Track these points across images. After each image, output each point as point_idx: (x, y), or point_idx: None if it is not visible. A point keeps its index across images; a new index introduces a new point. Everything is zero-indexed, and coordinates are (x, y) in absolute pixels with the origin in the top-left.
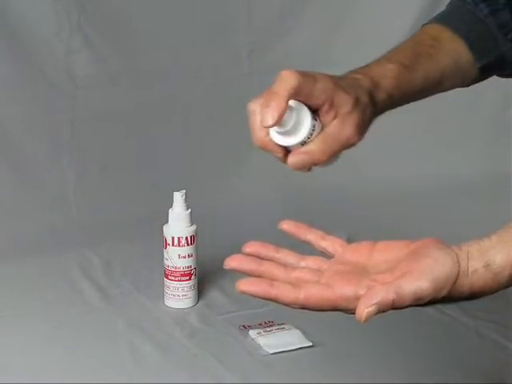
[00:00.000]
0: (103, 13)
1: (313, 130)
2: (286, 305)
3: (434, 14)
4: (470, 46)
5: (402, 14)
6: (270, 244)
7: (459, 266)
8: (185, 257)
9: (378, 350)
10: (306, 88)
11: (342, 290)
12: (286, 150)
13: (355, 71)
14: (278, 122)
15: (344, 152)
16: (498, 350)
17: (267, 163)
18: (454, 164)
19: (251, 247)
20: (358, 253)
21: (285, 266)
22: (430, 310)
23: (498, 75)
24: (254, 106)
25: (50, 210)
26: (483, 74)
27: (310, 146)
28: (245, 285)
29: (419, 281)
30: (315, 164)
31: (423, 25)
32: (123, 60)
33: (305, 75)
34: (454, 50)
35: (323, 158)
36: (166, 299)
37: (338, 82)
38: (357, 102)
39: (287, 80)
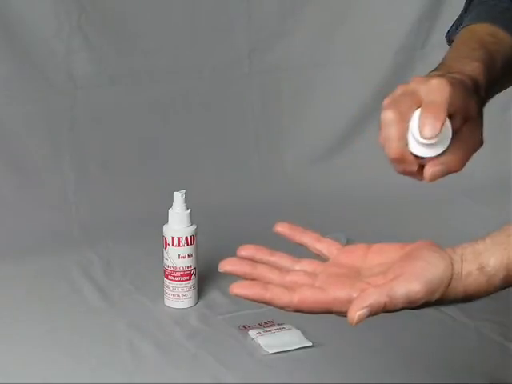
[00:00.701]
0: (103, 13)
1: (451, 141)
2: (280, 308)
3: (435, 14)
4: None
5: (402, 14)
6: (265, 247)
7: (453, 269)
8: (185, 257)
9: (378, 350)
10: (455, 99)
11: (335, 293)
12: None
13: (447, 70)
14: (436, 135)
15: (343, 154)
16: (498, 350)
17: (267, 163)
18: None
19: (246, 250)
20: (353, 255)
21: (279, 269)
22: (429, 309)
23: None
24: (391, 115)
25: (50, 210)
26: None
27: (449, 157)
28: (238, 288)
29: (411, 283)
30: (450, 173)
31: (463, 27)
32: (123, 60)
33: (452, 84)
34: (510, 46)
35: (460, 167)
36: (165, 299)
37: (460, 84)
38: (480, 104)
39: (443, 89)
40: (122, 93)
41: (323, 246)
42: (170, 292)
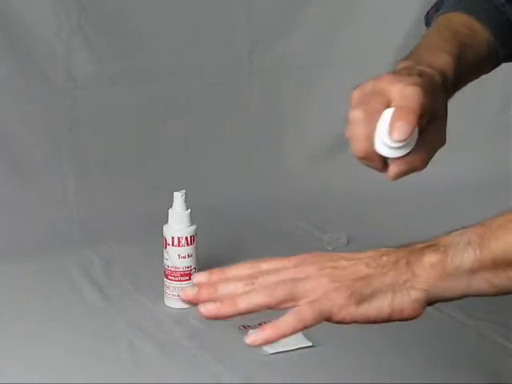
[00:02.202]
0: (103, 13)
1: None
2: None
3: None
4: (495, 36)
5: (403, 13)
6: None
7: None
8: (185, 257)
9: (378, 350)
10: (427, 104)
11: None
12: (384, 159)
13: (417, 61)
14: (406, 140)
15: (343, 154)
16: (498, 350)
17: (267, 163)
18: (454, 165)
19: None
20: None
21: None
22: (429, 309)
23: (508, 61)
24: (358, 114)
25: (50, 210)
26: (500, 62)
27: (413, 156)
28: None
29: None
30: (414, 172)
31: (440, 13)
32: (123, 60)
33: (424, 90)
34: (486, 39)
35: (423, 166)
36: (165, 299)
37: (430, 86)
38: (445, 103)
39: (418, 98)
40: (122, 93)
41: None
42: (170, 292)
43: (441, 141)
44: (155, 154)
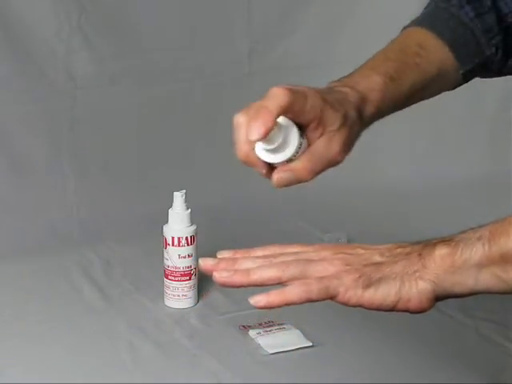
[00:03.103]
0: (103, 13)
1: (299, 148)
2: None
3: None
4: (455, 53)
5: (403, 13)
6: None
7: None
8: (185, 257)
9: (378, 350)
10: (297, 106)
11: None
12: (270, 166)
13: (342, 82)
14: (264, 138)
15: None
16: (497, 350)
17: None
18: (454, 164)
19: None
20: None
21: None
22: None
23: (480, 77)
24: (241, 119)
25: (50, 210)
26: (466, 78)
27: (296, 164)
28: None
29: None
30: (299, 182)
31: (405, 27)
32: (123, 60)
33: (296, 92)
34: (439, 57)
35: (308, 176)
36: (165, 299)
37: (327, 98)
38: (345, 119)
39: (278, 97)
40: (122, 93)
41: None
42: (170, 292)
43: (334, 155)
44: (155, 153)
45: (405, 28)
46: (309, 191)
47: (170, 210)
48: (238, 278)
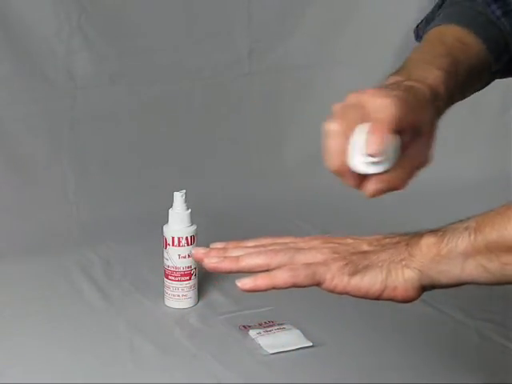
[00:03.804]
0: (103, 13)
1: (396, 159)
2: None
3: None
4: (489, 50)
5: (403, 13)
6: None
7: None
8: (185, 257)
9: (378, 350)
10: (403, 117)
11: None
12: (361, 176)
13: (407, 76)
14: (380, 154)
15: None
16: (498, 350)
17: (267, 163)
18: (455, 165)
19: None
20: None
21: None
22: (430, 310)
23: (499, 77)
24: (335, 127)
25: (50, 210)
26: (493, 77)
27: (392, 175)
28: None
29: None
30: (392, 191)
31: (433, 25)
32: (123, 60)
33: (400, 102)
34: (478, 53)
35: (402, 185)
36: (166, 299)
37: (411, 99)
38: (431, 123)
39: (390, 111)
40: (122, 93)
41: None
42: (170, 292)
43: (424, 160)
44: (155, 153)
45: (428, 27)
46: (308, 191)
47: (170, 210)
48: (227, 264)
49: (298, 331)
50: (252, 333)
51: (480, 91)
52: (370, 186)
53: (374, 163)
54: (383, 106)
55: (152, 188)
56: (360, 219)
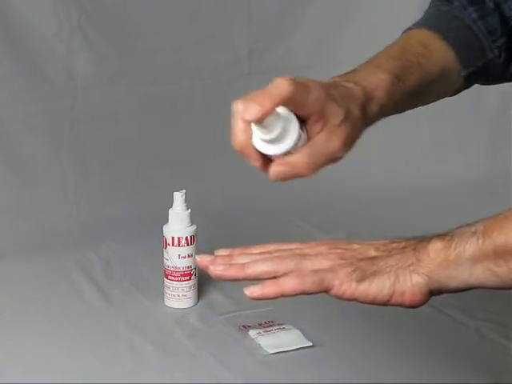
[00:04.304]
0: (103, 13)
1: (298, 141)
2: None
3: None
4: (458, 54)
5: (403, 13)
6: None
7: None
8: (185, 257)
9: (378, 350)
10: (299, 98)
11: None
12: (266, 159)
13: (346, 77)
14: (260, 121)
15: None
16: (497, 350)
17: None
18: (455, 164)
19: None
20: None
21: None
22: (430, 309)
23: (481, 83)
24: (239, 106)
25: (50, 209)
26: (467, 82)
27: (294, 158)
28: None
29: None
30: (297, 176)
31: (408, 28)
32: (123, 60)
33: (299, 84)
34: (442, 58)
35: (306, 171)
36: (165, 299)
37: (331, 91)
38: (347, 115)
39: (280, 86)
40: (122, 93)
41: None
42: (170, 292)
43: (335, 151)
44: (155, 154)
45: (406, 30)
46: (309, 191)
47: (170, 210)
48: (233, 272)
49: (297, 331)
50: (252, 333)
51: (479, 91)
52: (272, 168)
53: (268, 142)
54: (278, 82)
55: (152, 188)
56: (360, 219)
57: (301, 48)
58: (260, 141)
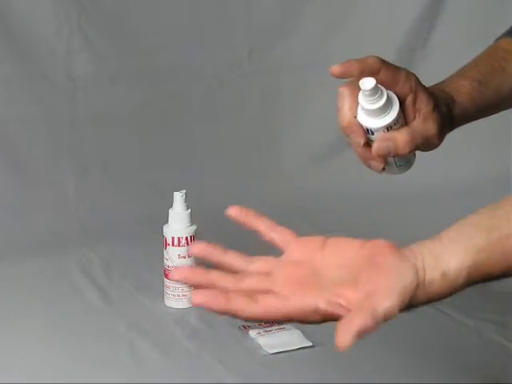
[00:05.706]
0: (103, 13)
1: (399, 118)
2: (244, 319)
3: (435, 14)
4: None
5: (403, 13)
6: (217, 245)
7: (418, 278)
8: (185, 257)
9: (378, 350)
10: (390, 73)
11: (300, 303)
12: (368, 140)
13: (430, 87)
14: (347, 74)
15: (343, 154)
16: (498, 350)
17: (267, 164)
18: (455, 166)
19: (197, 248)
20: (308, 250)
21: (233, 273)
22: (429, 309)
23: None
24: (345, 89)
25: (50, 209)
26: None
27: (396, 134)
28: (200, 297)
29: (389, 300)
30: (397, 154)
31: (497, 39)
32: (123, 60)
33: (387, 63)
34: None
35: (406, 148)
36: (166, 299)
37: (420, 82)
38: (436, 106)
39: (372, 60)
40: (122, 93)
41: (277, 234)
42: (170, 292)
43: (431, 135)
44: (155, 153)
45: (496, 40)
46: (308, 191)
47: (170, 210)
48: (217, 305)
49: (297, 331)
50: (252, 333)
51: None
52: (377, 143)
53: (377, 115)
54: (372, 59)
55: (152, 188)
56: (360, 219)
57: (301, 48)
58: (365, 116)
